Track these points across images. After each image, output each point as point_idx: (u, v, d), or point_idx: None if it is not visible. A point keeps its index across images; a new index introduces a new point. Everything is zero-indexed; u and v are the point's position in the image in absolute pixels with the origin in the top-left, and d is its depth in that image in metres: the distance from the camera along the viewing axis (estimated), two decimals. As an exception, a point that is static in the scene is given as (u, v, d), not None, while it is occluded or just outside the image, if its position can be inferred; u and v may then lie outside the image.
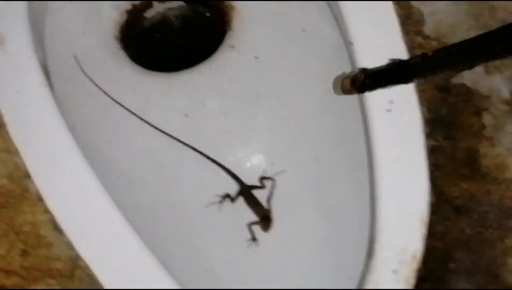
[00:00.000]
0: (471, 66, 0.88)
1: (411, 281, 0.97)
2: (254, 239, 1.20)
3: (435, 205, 1.01)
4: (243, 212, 1.23)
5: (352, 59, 1.08)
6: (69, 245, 1.00)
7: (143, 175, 1.25)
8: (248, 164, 1.29)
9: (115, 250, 1.00)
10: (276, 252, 1.21)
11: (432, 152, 1.03)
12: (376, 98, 1.02)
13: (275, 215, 1.22)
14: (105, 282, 0.98)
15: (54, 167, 1.03)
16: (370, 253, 1.00)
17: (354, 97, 1.08)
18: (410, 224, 0.99)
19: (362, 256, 1.03)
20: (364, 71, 0.97)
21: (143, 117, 1.25)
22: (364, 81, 0.96)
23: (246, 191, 1.23)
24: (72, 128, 1.06)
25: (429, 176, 1.01)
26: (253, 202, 1.22)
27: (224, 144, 1.29)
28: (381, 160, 1.01)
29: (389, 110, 1.02)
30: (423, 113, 1.03)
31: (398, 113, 1.03)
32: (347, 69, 1.08)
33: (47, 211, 1.01)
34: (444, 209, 1.02)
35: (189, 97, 1.30)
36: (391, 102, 1.02)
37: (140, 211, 1.15)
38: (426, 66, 0.88)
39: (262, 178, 1.25)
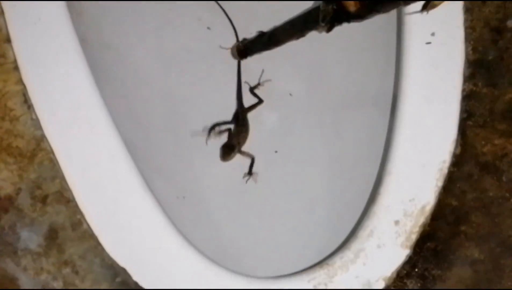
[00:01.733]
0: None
1: (412, 237, 0.85)
2: (209, 132, 1.11)
3: (459, 157, 0.89)
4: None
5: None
6: (36, 124, 0.88)
7: (146, 76, 1.14)
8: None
9: (86, 139, 0.88)
10: (274, 189, 1.09)
11: (468, 98, 0.91)
12: (418, 26, 0.89)
13: (282, 147, 1.11)
14: (66, 170, 0.86)
15: (39, 38, 0.91)
16: (372, 197, 0.87)
17: (392, 25, 0.97)
18: (426, 173, 0.87)
19: (363, 200, 0.90)
20: (243, 41, 1.12)
21: (163, 20, 1.16)
22: (243, 49, 1.11)
23: (241, 112, 1.14)
24: (78, 14, 0.96)
25: (459, 123, 0.89)
26: (238, 127, 1.12)
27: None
28: (408, 96, 0.89)
29: (429, 43, 0.89)
30: (466, 52, 0.91)
31: (439, 48, 0.91)
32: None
33: (20, 82, 0.90)
34: (468, 164, 0.89)
35: (216, 9, 1.17)
36: (433, 34, 0.89)
37: (128, 111, 1.03)
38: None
39: (253, 89, 1.16)
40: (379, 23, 0.92)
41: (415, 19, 0.90)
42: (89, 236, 0.86)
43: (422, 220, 0.86)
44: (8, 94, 0.90)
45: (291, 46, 1.02)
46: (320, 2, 0.87)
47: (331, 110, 1.10)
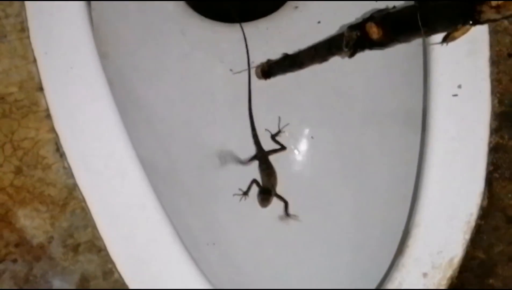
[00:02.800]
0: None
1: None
2: (245, 193, 1.13)
3: (486, 210, 0.89)
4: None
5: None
6: (69, 172, 0.90)
7: (170, 121, 1.14)
8: (286, 134, 1.17)
9: (118, 188, 0.89)
10: (297, 236, 1.10)
11: (495, 150, 0.91)
12: (444, 79, 0.90)
13: (306, 194, 1.13)
14: (98, 219, 0.87)
15: (71, 86, 0.92)
16: (400, 249, 0.88)
17: (418, 76, 0.98)
18: (453, 226, 0.88)
19: (392, 252, 0.90)
20: (268, 61, 1.14)
21: (185, 61, 1.17)
22: (267, 70, 1.13)
23: (262, 157, 1.14)
24: (104, 56, 0.95)
25: (486, 176, 0.89)
26: (264, 171, 1.13)
27: (262, 106, 1.18)
28: (435, 149, 0.89)
29: (455, 95, 0.90)
30: (493, 105, 0.92)
31: (465, 100, 0.92)
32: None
33: (52, 130, 0.91)
34: (495, 217, 0.90)
35: (238, 51, 1.18)
36: (459, 86, 0.90)
37: (158, 157, 1.03)
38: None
39: (274, 136, 1.17)
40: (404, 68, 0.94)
41: (442, 71, 0.91)
42: (121, 285, 0.87)
43: (450, 272, 0.87)
44: (40, 142, 0.91)
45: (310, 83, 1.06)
46: (345, 28, 0.89)
47: (356, 157, 1.10)
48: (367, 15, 0.86)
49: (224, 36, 1.18)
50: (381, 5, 0.91)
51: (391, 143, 1.08)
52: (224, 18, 1.21)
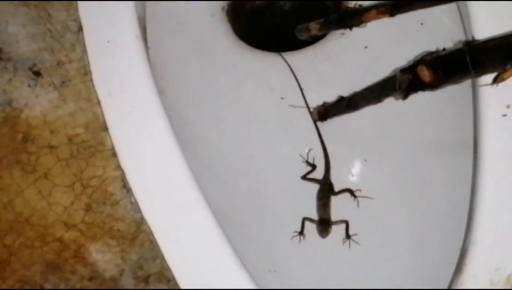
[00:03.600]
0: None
1: (501, 306, 0.87)
2: (301, 233, 1.13)
3: (542, 226, 0.89)
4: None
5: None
6: (136, 207, 0.94)
7: (226, 153, 1.19)
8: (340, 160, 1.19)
9: (183, 220, 0.93)
10: (355, 255, 1.12)
11: (548, 168, 0.91)
12: (493, 100, 0.94)
13: (364, 215, 1.14)
14: (166, 251, 0.92)
15: (134, 124, 0.98)
16: (458, 267, 0.91)
17: (467, 100, 1.03)
18: (510, 242, 0.89)
19: (450, 271, 0.93)
20: (324, 104, 1.16)
21: (238, 93, 1.21)
22: (324, 112, 1.16)
23: (326, 185, 1.15)
24: (160, 92, 0.99)
25: (540, 192, 0.90)
26: (322, 199, 1.14)
27: (312, 134, 1.20)
28: (488, 168, 0.92)
29: (505, 115, 0.93)
30: None
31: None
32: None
33: (118, 168, 0.96)
34: (550, 233, 0.90)
35: (288, 79, 1.21)
36: (508, 106, 0.92)
37: (217, 188, 1.08)
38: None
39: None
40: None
41: (490, 92, 0.94)
42: (190, 313, 0.91)
43: (508, 288, 0.88)
44: (108, 179, 0.96)
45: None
46: (397, 71, 0.92)
47: (410, 180, 1.13)
48: (418, 58, 0.88)
49: (274, 66, 1.22)
50: (430, 44, 0.96)
51: (444, 165, 1.10)
52: (273, 48, 1.25)
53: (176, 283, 0.92)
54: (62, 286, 0.93)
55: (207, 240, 0.93)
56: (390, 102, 0.99)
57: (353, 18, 1.15)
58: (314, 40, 1.26)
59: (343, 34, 1.22)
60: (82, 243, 0.94)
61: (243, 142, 1.18)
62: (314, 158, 1.17)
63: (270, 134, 1.19)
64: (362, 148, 1.18)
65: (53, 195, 0.95)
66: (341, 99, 1.13)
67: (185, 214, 0.94)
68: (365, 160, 1.16)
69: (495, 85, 0.90)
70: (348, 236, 1.11)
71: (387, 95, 0.99)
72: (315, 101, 1.19)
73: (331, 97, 1.16)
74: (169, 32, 1.21)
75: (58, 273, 0.93)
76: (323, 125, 1.17)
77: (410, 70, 0.89)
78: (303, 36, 1.27)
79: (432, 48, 0.98)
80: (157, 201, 0.94)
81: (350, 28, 1.16)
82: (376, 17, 1.11)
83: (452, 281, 0.91)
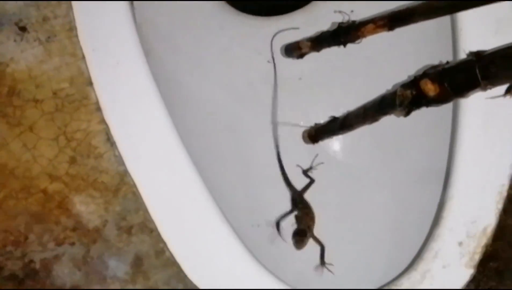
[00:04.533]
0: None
1: (476, 257, 0.90)
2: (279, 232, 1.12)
3: (518, 180, 0.91)
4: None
5: (455, 41, 1.01)
6: (119, 160, 0.96)
7: (212, 109, 1.21)
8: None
9: (165, 173, 0.94)
10: (340, 214, 1.15)
11: (525, 122, 0.92)
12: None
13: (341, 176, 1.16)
14: (148, 202, 0.93)
15: (118, 79, 0.99)
16: (436, 221, 0.93)
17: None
18: (486, 196, 0.92)
19: (428, 225, 0.95)
20: (315, 126, 1.15)
21: (225, 55, 1.22)
22: (314, 134, 1.14)
23: (297, 196, 1.14)
24: (147, 53, 1.01)
25: (517, 148, 0.91)
26: (300, 211, 1.13)
27: (299, 102, 1.24)
28: (466, 122, 0.94)
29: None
30: None
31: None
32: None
33: (103, 121, 0.97)
34: (527, 186, 0.92)
35: (275, 43, 1.23)
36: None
37: (201, 144, 1.09)
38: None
39: (306, 172, 1.17)
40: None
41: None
42: (172, 263, 0.93)
43: (484, 241, 0.90)
44: (92, 133, 0.97)
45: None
46: (398, 87, 0.88)
47: (391, 139, 1.15)
48: (420, 72, 0.85)
49: (260, 30, 1.23)
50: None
51: (426, 124, 1.11)
52: (260, 12, 1.26)
53: (158, 234, 0.93)
54: (46, 237, 0.93)
55: (190, 193, 0.94)
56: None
57: (347, 35, 1.06)
58: (301, 4, 1.25)
59: (330, -1, 1.22)
60: (66, 195, 0.95)
61: (229, 100, 1.20)
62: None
63: (256, 94, 1.20)
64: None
65: (38, 148, 0.96)
66: (333, 120, 1.10)
67: (168, 167, 0.95)
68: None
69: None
70: (322, 262, 1.09)
71: (385, 113, 0.94)
72: (299, 67, 1.20)
73: (317, 66, 1.18)
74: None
75: (42, 224, 0.94)
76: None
77: (413, 84, 0.85)
78: (294, 55, 1.18)
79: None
80: (140, 154, 0.96)
81: (344, 45, 1.08)
82: (373, 31, 1.03)
83: (429, 234, 0.92)
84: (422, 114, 1.06)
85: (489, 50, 0.81)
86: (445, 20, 1.01)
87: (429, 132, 1.09)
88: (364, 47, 1.06)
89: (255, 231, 1.11)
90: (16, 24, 1.01)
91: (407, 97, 0.85)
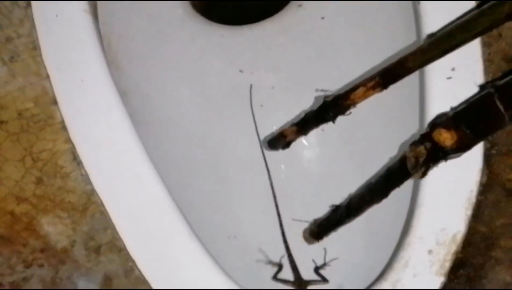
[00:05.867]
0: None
1: (446, 264, 0.89)
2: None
3: (486, 186, 0.92)
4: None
5: (417, 20, 1.00)
6: (86, 179, 0.95)
7: (183, 124, 1.20)
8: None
9: (133, 190, 0.94)
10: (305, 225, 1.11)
11: (490, 128, 0.91)
12: (438, 63, 0.92)
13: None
14: (116, 221, 0.92)
15: (83, 97, 0.98)
16: (406, 229, 0.92)
17: None
18: (455, 203, 0.91)
19: (397, 233, 0.94)
20: (315, 221, 1.02)
21: (196, 66, 1.21)
22: (317, 230, 1.00)
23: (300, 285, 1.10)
24: (117, 67, 1.01)
25: (483, 153, 0.93)
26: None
27: (272, 107, 1.22)
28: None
29: (449, 78, 0.93)
30: None
31: (459, 82, 0.94)
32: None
33: (68, 141, 0.96)
34: (495, 191, 0.93)
35: (247, 53, 1.23)
36: (453, 69, 0.93)
37: (172, 159, 1.09)
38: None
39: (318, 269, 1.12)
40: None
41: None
42: (141, 282, 0.92)
43: (454, 248, 0.90)
44: (58, 152, 0.96)
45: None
46: (405, 150, 0.80)
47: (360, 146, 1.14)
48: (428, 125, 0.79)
49: (232, 40, 1.22)
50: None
51: (392, 130, 1.11)
52: (231, 21, 1.25)
53: (127, 253, 0.92)
54: (14, 259, 0.92)
55: (158, 210, 0.94)
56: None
57: (335, 108, 0.95)
58: (272, 12, 1.25)
59: (300, 6, 1.21)
60: (34, 216, 0.95)
61: (201, 113, 1.18)
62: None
63: (229, 106, 1.18)
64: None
65: (4, 170, 0.95)
66: (335, 209, 0.97)
67: (135, 185, 0.94)
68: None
69: None
70: None
71: (396, 184, 0.83)
72: (271, 75, 1.21)
73: (290, 70, 1.17)
74: (124, 8, 1.20)
75: (10, 246, 0.93)
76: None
77: (424, 139, 0.76)
78: (279, 145, 1.07)
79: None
80: (107, 172, 0.95)
81: (334, 120, 0.97)
82: (365, 95, 0.91)
83: (399, 243, 0.91)
84: (390, 120, 1.06)
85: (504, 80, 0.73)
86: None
87: (399, 137, 1.07)
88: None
89: (231, 242, 1.09)
90: (-21, 45, 1.00)
91: (421, 154, 0.76)
